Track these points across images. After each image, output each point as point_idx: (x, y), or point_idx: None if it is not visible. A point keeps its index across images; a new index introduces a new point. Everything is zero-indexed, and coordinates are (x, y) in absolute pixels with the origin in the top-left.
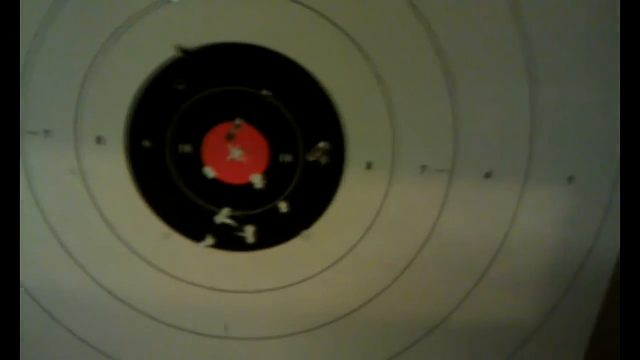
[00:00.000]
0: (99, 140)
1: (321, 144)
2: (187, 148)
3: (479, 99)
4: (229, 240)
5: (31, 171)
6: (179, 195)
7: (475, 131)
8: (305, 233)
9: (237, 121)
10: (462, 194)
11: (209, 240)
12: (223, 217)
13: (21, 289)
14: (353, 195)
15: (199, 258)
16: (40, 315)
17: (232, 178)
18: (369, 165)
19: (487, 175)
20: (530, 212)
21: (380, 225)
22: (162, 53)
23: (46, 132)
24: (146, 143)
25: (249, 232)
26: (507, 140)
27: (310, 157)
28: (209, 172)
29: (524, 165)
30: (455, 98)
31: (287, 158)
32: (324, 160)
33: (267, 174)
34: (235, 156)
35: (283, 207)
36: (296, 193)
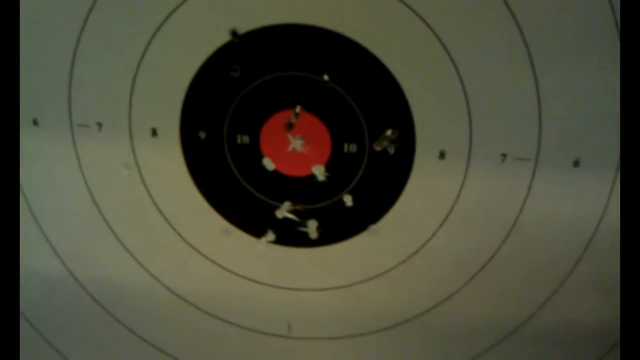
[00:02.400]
0: (154, 132)
1: (389, 132)
2: (244, 139)
3: (565, 79)
4: (290, 236)
5: (85, 166)
6: (237, 188)
7: (562, 114)
8: (373, 228)
9: (297, 109)
10: (547, 184)
11: (270, 235)
12: (284, 211)
13: (77, 286)
14: (425, 187)
15: (260, 254)
16: (100, 313)
17: (293, 170)
18: (442, 154)
19: (576, 163)
20: None
21: (455, 220)
22: (215, 39)
23: (99, 124)
24: (202, 134)
25: (311, 227)
26: (596, 124)
27: (377, 147)
28: (269, 164)
29: (616, 152)
30: (540, 78)
31: (351, 148)
32: (392, 149)
33: (331, 166)
34: (296, 147)
35: (348, 200)
36: (362, 185)
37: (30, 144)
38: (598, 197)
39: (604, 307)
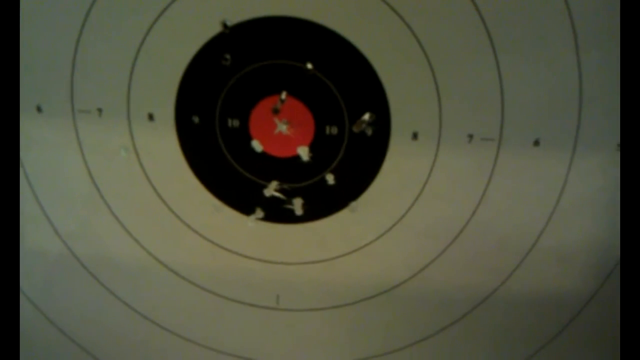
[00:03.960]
0: (151, 117)
1: (366, 116)
2: (235, 123)
3: (525, 65)
4: (278, 213)
5: (86, 149)
6: (228, 169)
7: (523, 98)
8: (353, 205)
9: (283, 95)
10: (510, 162)
11: (259, 213)
12: (271, 190)
13: (78, 265)
14: (400, 166)
15: (249, 230)
16: (98, 289)
17: (280, 151)
18: (415, 135)
19: (536, 142)
20: (580, 180)
21: (427, 196)
22: (208, 30)
23: (99, 110)
24: (195, 119)
25: (297, 205)
26: (555, 106)
27: (356, 129)
28: (257, 146)
29: (573, 132)
30: (502, 64)
31: (333, 130)
32: (369, 131)
33: (314, 147)
34: (282, 130)
35: (330, 179)
36: (343, 165)
37: (33, 129)
38: (557, 174)
39: (566, 277)
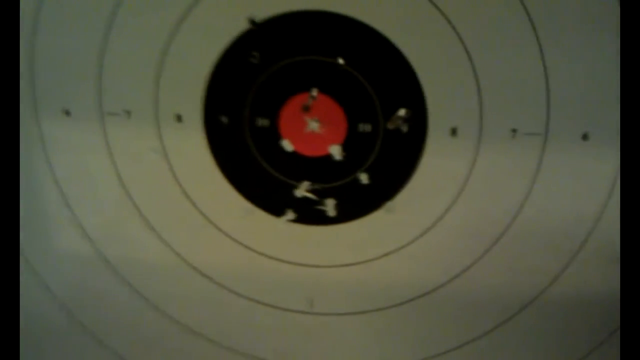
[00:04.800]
0: (179, 118)
1: (401, 112)
2: (264, 122)
3: (571, 53)
4: (310, 215)
5: (114, 152)
6: (258, 170)
7: (569, 89)
8: (388, 205)
9: (313, 92)
10: (557, 158)
11: (290, 214)
12: (303, 190)
13: (108, 267)
14: (437, 164)
15: (281, 233)
16: (129, 293)
17: (311, 150)
18: (453, 132)
19: (585, 136)
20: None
21: (468, 195)
22: (234, 26)
23: (127, 112)
24: (224, 119)
25: (329, 206)
26: (605, 98)
27: (390, 126)
28: (287, 145)
29: None
30: (546, 53)
31: (366, 128)
32: (404, 128)
33: (346, 145)
34: (313, 128)
35: (364, 178)
36: (377, 164)
37: (62, 133)
38: (607, 169)
39: (614, 278)
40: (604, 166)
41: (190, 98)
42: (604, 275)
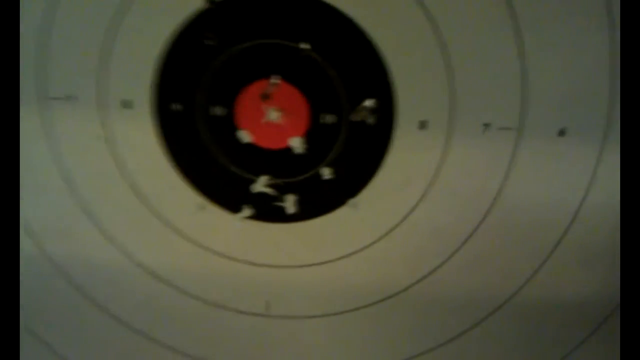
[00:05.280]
0: (126, 104)
1: (367, 102)
2: (219, 110)
3: (551, 43)
4: (268, 211)
5: (56, 139)
6: (213, 162)
7: (547, 81)
8: (352, 202)
9: (274, 79)
10: (531, 154)
11: (247, 211)
12: (261, 185)
13: (50, 263)
14: (405, 159)
15: (237, 230)
16: (70, 290)
17: (270, 142)
18: (422, 125)
19: (561, 132)
20: (611, 175)
21: (436, 192)
22: (189, 4)
23: (70, 97)
24: (175, 106)
25: (289, 202)
26: (583, 93)
27: (356, 117)
28: (244, 136)
29: (604, 120)
30: (523, 44)
31: (329, 119)
32: (371, 120)
33: (308, 137)
34: (272, 118)
35: (326, 173)
36: (341, 157)
37: None
38: (584, 167)
39: (590, 282)
40: (581, 164)
41: (139, 82)
42: (579, 277)
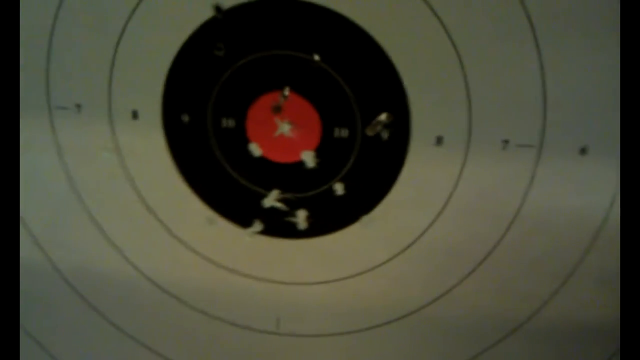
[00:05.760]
0: (135, 114)
1: (382, 116)
2: (230, 123)
3: (571, 62)
4: (279, 226)
5: (64, 149)
6: (222, 175)
7: (568, 98)
8: (365, 218)
9: (285, 91)
10: (551, 172)
11: (257, 226)
12: (272, 200)
13: (56, 274)
14: (420, 175)
15: (247, 245)
16: (76, 300)
17: (281, 156)
18: (439, 140)
19: (582, 150)
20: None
21: (453, 210)
22: (198, 14)
23: (78, 106)
24: (185, 117)
25: (300, 217)
26: (604, 110)
27: (370, 132)
28: (255, 149)
29: None
30: (544, 57)
31: (342, 133)
32: (385, 134)
33: (320, 151)
34: (284, 131)
35: (339, 188)
36: (354, 173)
37: None
38: (605, 186)
39: (610, 304)
40: (602, 183)
41: (147, 93)
42: (599, 300)
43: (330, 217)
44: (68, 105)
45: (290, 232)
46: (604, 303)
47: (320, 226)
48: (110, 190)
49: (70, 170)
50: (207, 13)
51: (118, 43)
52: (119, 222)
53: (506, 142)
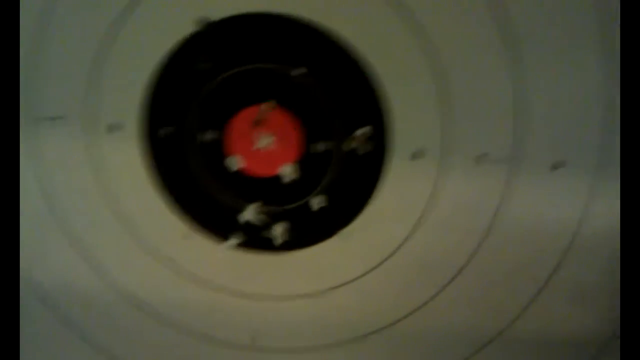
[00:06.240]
0: (114, 127)
1: (361, 131)
2: (210, 135)
3: (547, 74)
4: (257, 240)
5: (40, 160)
6: (201, 188)
7: (542, 113)
8: (343, 232)
9: (267, 105)
10: (524, 187)
11: (234, 240)
12: (250, 214)
13: (31, 289)
14: (398, 189)
15: (223, 260)
16: (51, 317)
17: (260, 169)
18: (415, 155)
19: (554, 166)
20: (605, 210)
21: (429, 224)
22: (182, 27)
23: (56, 118)
24: (165, 130)
25: (278, 231)
26: (577, 126)
27: (349, 146)
28: (234, 162)
29: (598, 153)
30: (518, 75)
31: (322, 146)
32: (364, 148)
33: (300, 165)
34: (264, 144)
35: (317, 202)
36: (332, 186)
37: None
38: (577, 201)
39: (582, 317)
40: (574, 198)
41: (128, 105)
42: (571, 313)
43: (309, 231)
44: (48, 116)
45: (268, 246)
46: (576, 315)
47: (298, 240)
48: (86, 202)
49: (47, 181)
50: (191, 26)
51: (98, 52)
52: (95, 236)
53: (480, 156)
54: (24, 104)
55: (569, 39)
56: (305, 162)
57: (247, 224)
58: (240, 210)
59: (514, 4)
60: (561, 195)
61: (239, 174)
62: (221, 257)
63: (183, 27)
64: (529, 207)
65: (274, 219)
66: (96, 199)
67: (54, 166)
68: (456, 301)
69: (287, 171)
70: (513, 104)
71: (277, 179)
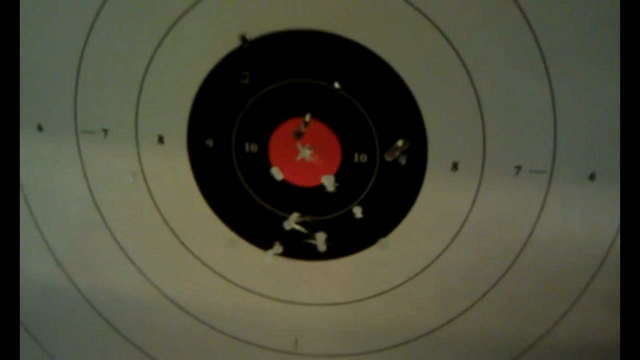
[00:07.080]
0: (160, 139)
1: (400, 142)
2: (253, 147)
3: (580, 90)
4: (298, 248)
5: (89, 172)
6: (244, 198)
7: (578, 125)
8: (382, 241)
9: (307, 117)
10: (562, 197)
11: (277, 248)
12: (292, 222)
13: (78, 295)
14: (436, 200)
15: (267, 267)
16: (100, 323)
17: (302, 180)
18: (454, 166)
19: (592, 176)
20: None
21: (467, 234)
22: (225, 44)
23: (105, 131)
24: (209, 142)
25: (320, 240)
26: (613, 136)
27: (388, 157)
28: (277, 173)
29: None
30: (555, 86)
31: (362, 158)
32: (403, 160)
33: (340, 176)
34: (305, 156)
35: (357, 212)
36: (372, 197)
37: (33, 149)
38: (614, 211)
39: (617, 324)
40: (610, 208)
41: (173, 118)
42: (607, 321)
43: (349, 240)
44: (95, 129)
45: (309, 254)
46: (612, 324)
47: (338, 248)
48: (133, 213)
49: (95, 194)
50: (234, 42)
51: (146, 69)
52: (142, 244)
53: (519, 167)
54: (74, 118)
55: (600, 52)
56: (346, 173)
57: (290, 233)
58: (283, 219)
59: (550, 18)
60: (598, 205)
61: (282, 184)
62: (264, 264)
63: (227, 44)
64: (566, 217)
65: (315, 227)
66: (143, 208)
67: (102, 178)
68: (494, 310)
69: (329, 182)
70: (550, 115)
71: (318, 189)
